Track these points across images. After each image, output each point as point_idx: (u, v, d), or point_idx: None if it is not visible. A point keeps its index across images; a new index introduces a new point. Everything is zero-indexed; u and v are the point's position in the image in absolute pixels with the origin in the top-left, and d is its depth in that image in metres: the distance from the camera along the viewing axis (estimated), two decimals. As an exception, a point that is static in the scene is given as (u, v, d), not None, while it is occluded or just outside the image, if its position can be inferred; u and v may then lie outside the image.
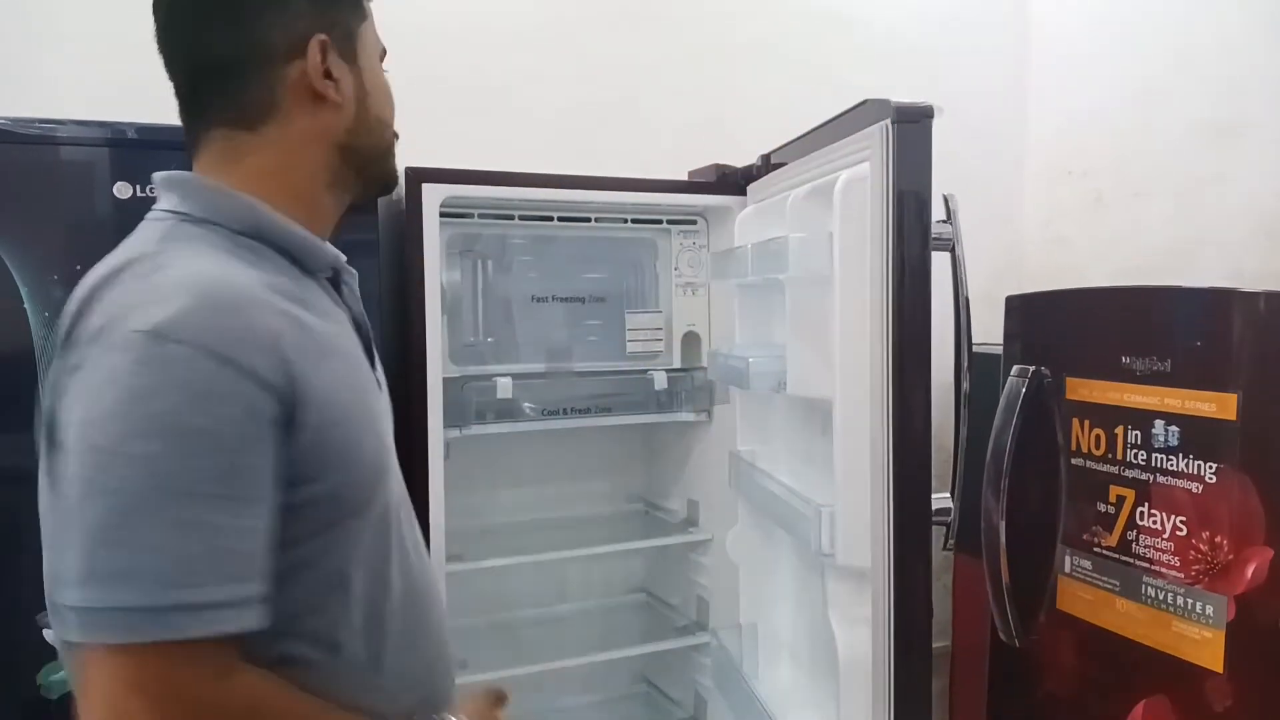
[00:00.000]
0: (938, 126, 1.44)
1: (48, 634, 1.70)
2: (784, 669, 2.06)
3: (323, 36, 0.95)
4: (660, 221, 2.28)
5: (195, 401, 0.76)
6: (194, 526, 0.76)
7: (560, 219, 2.17)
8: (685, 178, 2.28)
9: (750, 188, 2.12)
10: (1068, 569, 1.76)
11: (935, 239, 1.50)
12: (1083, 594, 1.73)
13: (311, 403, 0.83)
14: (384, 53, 1.07)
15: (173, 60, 0.95)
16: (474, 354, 2.18)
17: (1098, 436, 1.69)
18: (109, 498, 0.75)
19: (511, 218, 2.14)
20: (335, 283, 1.01)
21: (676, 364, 2.30)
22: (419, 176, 1.91)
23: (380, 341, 1.79)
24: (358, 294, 1.06)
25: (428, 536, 1.90)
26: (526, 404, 2.21)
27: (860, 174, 1.52)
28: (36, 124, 1.64)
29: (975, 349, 1.57)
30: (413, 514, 1.07)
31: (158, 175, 0.95)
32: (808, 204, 1.73)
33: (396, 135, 1.08)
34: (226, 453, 0.77)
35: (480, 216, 2.12)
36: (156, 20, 0.94)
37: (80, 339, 0.80)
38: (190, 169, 0.96)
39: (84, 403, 0.78)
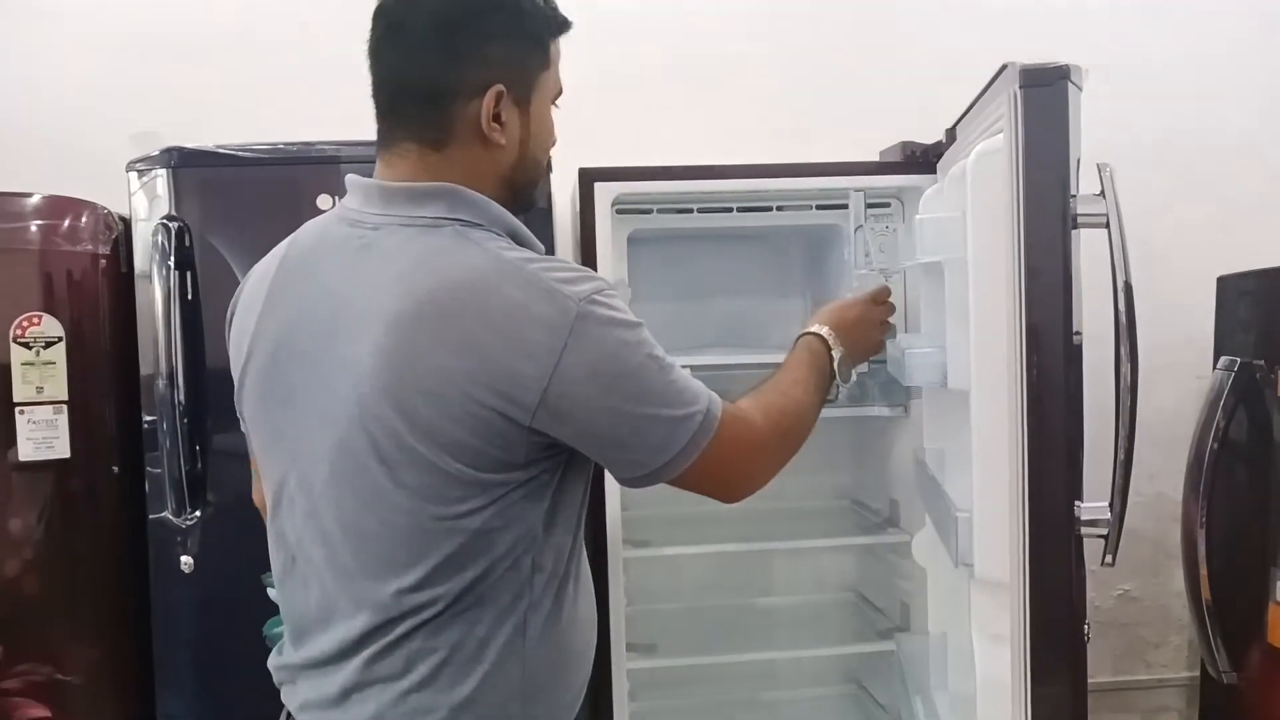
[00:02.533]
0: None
1: (270, 592, 1.97)
2: (969, 685, 1.91)
3: (500, 87, 1.06)
4: (847, 205, 2.18)
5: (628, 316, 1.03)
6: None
7: (740, 209, 2.15)
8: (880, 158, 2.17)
9: (939, 164, 1.98)
10: (1279, 596, 1.49)
11: (1083, 215, 1.33)
12: (1296, 627, 1.46)
13: None
14: (559, 93, 1.16)
15: (379, 71, 1.09)
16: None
17: (1312, 441, 1.41)
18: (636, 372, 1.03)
19: (690, 210, 2.15)
20: None
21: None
22: (591, 176, 1.98)
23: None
24: None
25: (603, 522, 1.98)
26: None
27: (994, 146, 1.38)
28: (252, 148, 1.89)
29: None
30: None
31: (382, 184, 1.08)
32: (963, 181, 1.59)
33: (550, 166, 1.21)
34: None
35: (659, 211, 2.15)
36: (374, 31, 1.08)
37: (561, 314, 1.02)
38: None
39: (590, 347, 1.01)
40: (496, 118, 1.06)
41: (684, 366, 2.03)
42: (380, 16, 1.07)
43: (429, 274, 0.99)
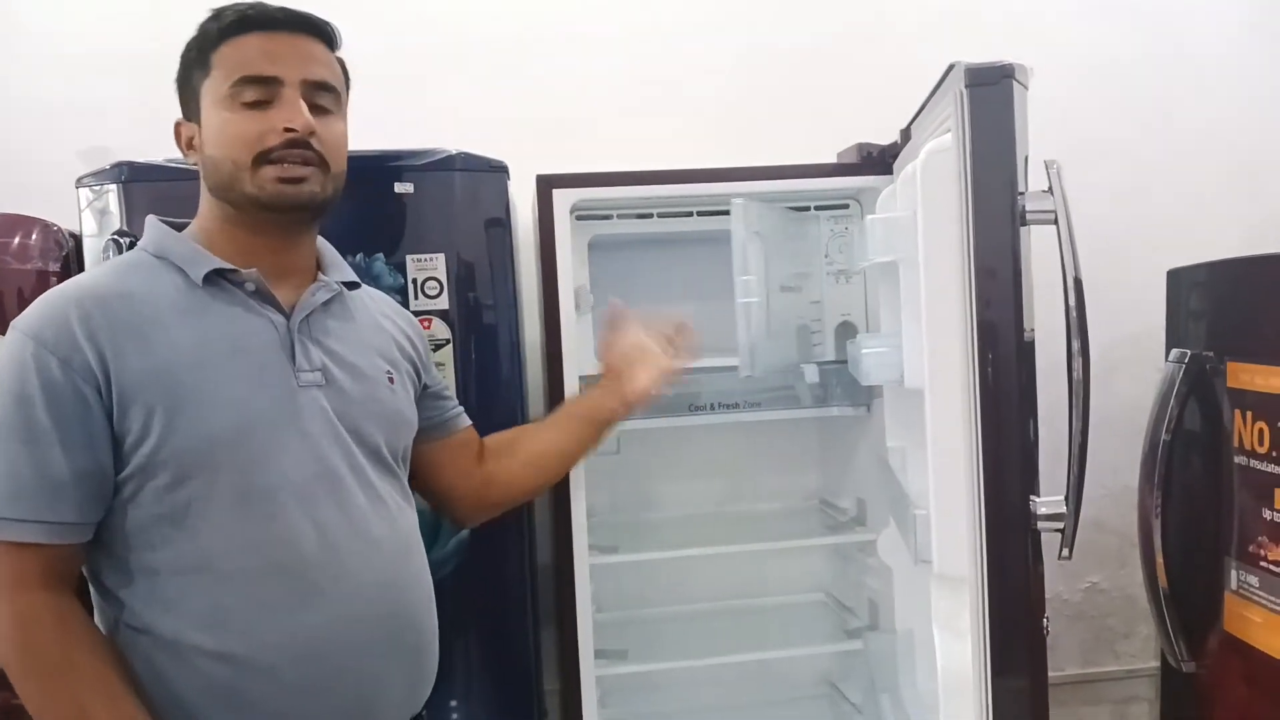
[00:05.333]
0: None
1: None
2: (934, 681, 1.92)
3: (178, 119, 1.26)
4: (808, 208, 2.19)
5: (8, 369, 1.09)
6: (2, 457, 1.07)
7: (700, 213, 2.15)
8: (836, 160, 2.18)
9: (895, 165, 1.99)
10: (1234, 585, 1.50)
11: (1032, 212, 1.35)
12: (1251, 615, 1.48)
13: (124, 375, 1.09)
14: (248, 81, 1.19)
15: None
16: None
17: (1261, 430, 1.43)
18: None
19: (651, 215, 2.15)
20: (265, 297, 1.21)
21: (831, 356, 2.21)
22: (549, 183, 1.97)
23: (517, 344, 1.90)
24: (335, 318, 1.28)
25: (569, 529, 1.97)
26: (682, 400, 2.23)
27: (942, 145, 1.39)
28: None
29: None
30: (346, 495, 1.20)
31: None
32: (914, 181, 1.60)
33: (258, 161, 1.19)
34: (21, 407, 1.07)
35: (619, 216, 2.15)
36: None
37: None
38: None
39: None
40: (190, 144, 1.24)
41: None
42: None
43: None
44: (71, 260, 1.92)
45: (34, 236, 1.89)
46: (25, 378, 1.08)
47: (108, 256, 1.74)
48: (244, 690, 1.11)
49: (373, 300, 1.42)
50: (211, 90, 1.20)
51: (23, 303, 1.85)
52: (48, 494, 1.07)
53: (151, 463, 1.10)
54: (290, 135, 1.18)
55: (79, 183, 1.83)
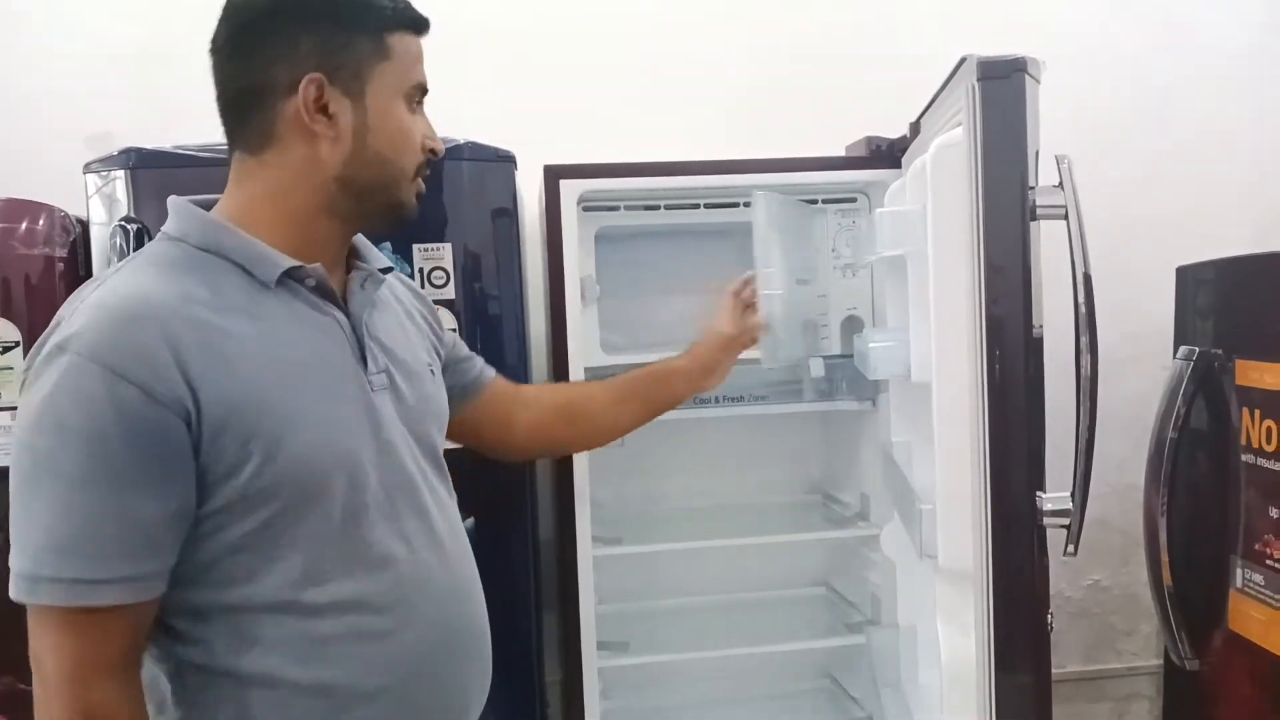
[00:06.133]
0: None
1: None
2: (936, 676, 1.92)
3: (318, 76, 1.03)
4: (815, 201, 2.19)
5: (74, 404, 0.90)
6: (63, 508, 0.90)
7: (708, 205, 2.15)
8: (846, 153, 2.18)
9: (904, 158, 1.99)
10: (1239, 583, 1.50)
11: (1043, 207, 1.34)
12: (1256, 613, 1.47)
13: (214, 402, 0.94)
14: (421, 90, 1.13)
15: (214, 83, 1.08)
16: (627, 343, 2.21)
17: (1269, 429, 1.42)
18: (16, 481, 0.92)
19: (658, 207, 2.15)
20: (324, 291, 1.08)
21: (836, 350, 2.20)
22: (556, 173, 1.97)
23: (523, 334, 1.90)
24: (377, 302, 1.16)
25: (572, 520, 1.98)
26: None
27: (953, 139, 1.39)
28: (211, 149, 1.84)
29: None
30: (421, 501, 1.12)
31: (169, 198, 1.09)
32: (923, 174, 1.60)
33: (420, 171, 1.13)
34: (97, 446, 0.90)
35: (626, 208, 2.14)
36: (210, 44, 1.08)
37: (35, 348, 0.97)
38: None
39: (23, 407, 0.94)
40: (323, 110, 1.04)
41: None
42: (214, 29, 1.07)
43: None
44: (78, 246, 1.92)
45: (41, 222, 1.89)
46: (97, 412, 0.89)
47: (115, 243, 1.74)
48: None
49: (391, 281, 1.30)
50: (389, 79, 1.08)
51: (30, 289, 1.86)
52: (135, 545, 0.92)
53: (242, 495, 0.96)
54: (432, 155, 1.14)
55: (86, 168, 1.83)
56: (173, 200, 1.08)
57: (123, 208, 1.81)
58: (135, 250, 1.75)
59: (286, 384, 1.00)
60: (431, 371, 1.24)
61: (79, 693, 0.92)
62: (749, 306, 1.77)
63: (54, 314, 0.99)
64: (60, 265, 1.90)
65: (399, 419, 1.12)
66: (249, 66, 1.05)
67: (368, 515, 1.04)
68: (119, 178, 1.82)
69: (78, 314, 0.94)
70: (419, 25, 1.11)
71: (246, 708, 0.99)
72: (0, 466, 1.04)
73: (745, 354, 1.92)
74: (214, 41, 1.07)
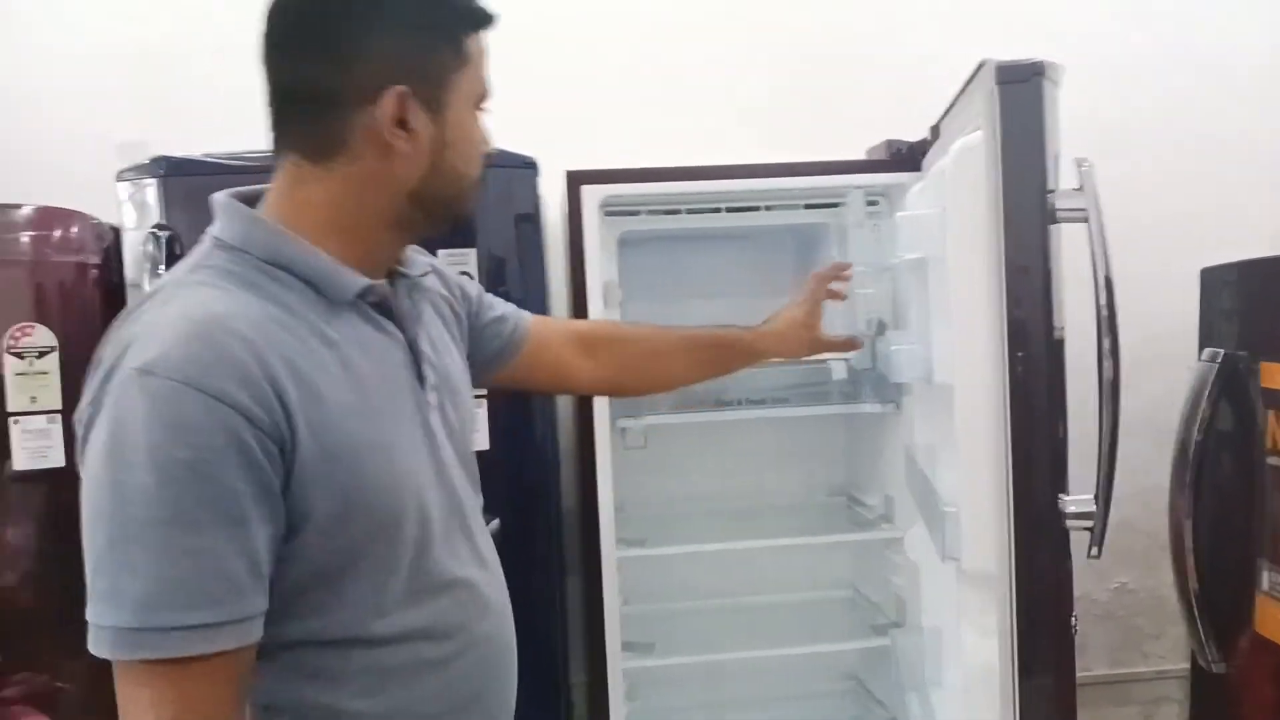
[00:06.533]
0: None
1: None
2: (961, 679, 1.92)
3: (402, 88, 0.93)
4: (836, 204, 2.19)
5: (176, 433, 0.80)
6: (173, 552, 0.81)
7: (729, 209, 2.16)
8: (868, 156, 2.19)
9: (924, 162, 1.99)
10: (1265, 586, 1.49)
11: (1063, 210, 1.34)
12: (1282, 616, 1.47)
13: (306, 434, 0.87)
14: (485, 95, 1.03)
15: (266, 76, 0.97)
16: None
17: (1293, 431, 1.42)
18: (104, 525, 0.82)
19: (679, 211, 2.16)
20: (383, 307, 1.02)
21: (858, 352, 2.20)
22: (579, 179, 1.99)
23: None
24: (424, 311, 1.09)
25: (596, 522, 1.99)
26: (709, 395, 2.24)
27: (973, 143, 1.39)
28: (241, 156, 1.88)
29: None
30: (475, 519, 1.09)
31: (213, 197, 0.99)
32: (944, 178, 1.60)
33: (480, 178, 1.05)
34: (206, 481, 0.81)
35: (648, 213, 2.16)
36: (263, 28, 0.96)
37: (99, 371, 0.87)
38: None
39: (95, 435, 0.84)
40: (402, 124, 0.93)
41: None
42: (268, 16, 0.95)
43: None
44: (111, 253, 1.96)
45: (74, 229, 1.93)
46: (201, 442, 0.81)
47: (147, 249, 1.77)
48: None
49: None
50: (465, 88, 0.99)
51: (64, 295, 1.89)
52: (245, 583, 0.84)
53: (321, 529, 0.90)
54: (487, 158, 1.06)
55: (119, 177, 1.87)
56: (223, 201, 0.97)
57: (154, 214, 1.85)
58: (168, 257, 1.79)
59: (364, 413, 0.94)
60: (465, 372, 1.17)
61: None
62: (830, 295, 1.63)
63: (88, 320, 0.91)
64: (94, 272, 1.94)
65: (447, 437, 1.06)
66: (318, 68, 0.93)
67: (430, 542, 0.99)
68: (150, 185, 1.85)
69: (153, 333, 0.84)
70: (491, 20, 1.01)
71: None
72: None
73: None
74: (270, 35, 0.95)
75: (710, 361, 1.55)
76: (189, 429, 0.81)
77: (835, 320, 2.22)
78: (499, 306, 1.32)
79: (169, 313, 0.87)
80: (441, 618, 1.00)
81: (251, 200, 0.99)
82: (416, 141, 0.95)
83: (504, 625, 1.10)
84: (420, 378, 1.03)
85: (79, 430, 0.87)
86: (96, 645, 0.82)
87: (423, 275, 1.10)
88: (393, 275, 1.05)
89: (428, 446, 1.02)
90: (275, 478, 0.85)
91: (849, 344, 1.67)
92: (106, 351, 0.87)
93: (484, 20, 1.00)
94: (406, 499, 0.96)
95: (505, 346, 1.31)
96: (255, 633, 0.85)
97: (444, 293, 1.19)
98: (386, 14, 0.93)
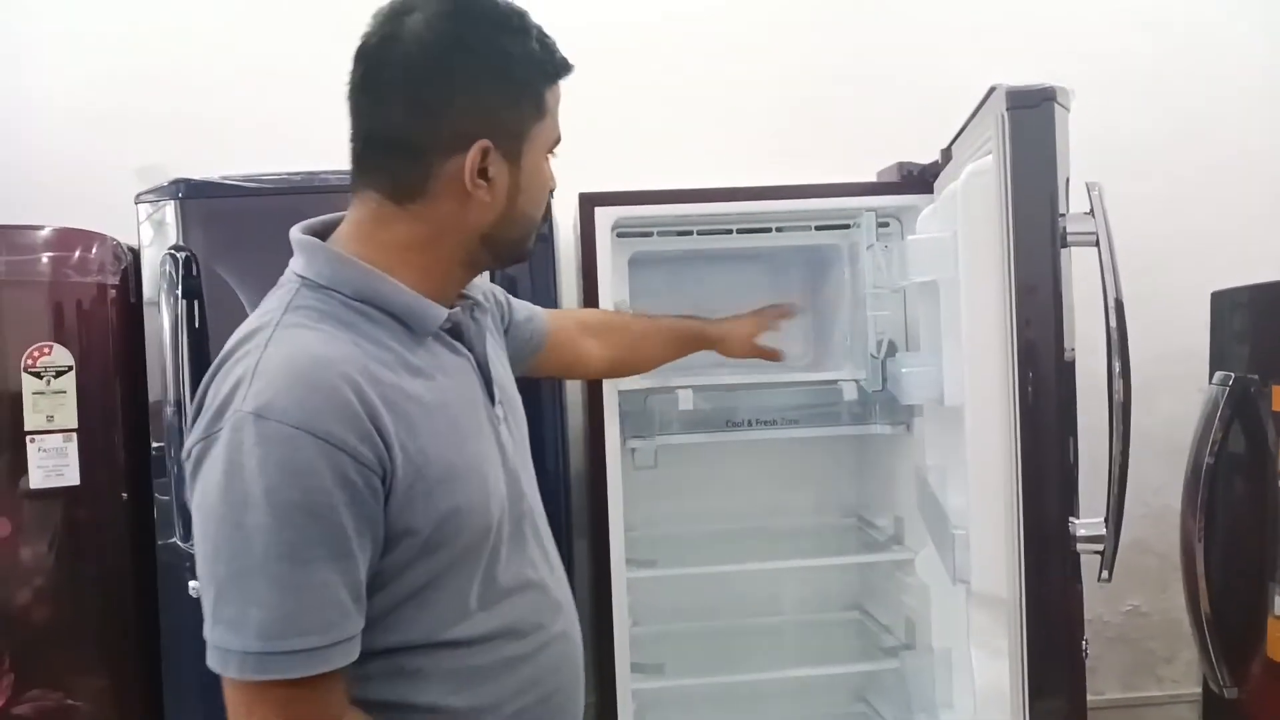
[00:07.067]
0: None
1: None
2: (971, 701, 1.91)
3: (485, 142, 0.98)
4: (847, 226, 2.20)
5: (290, 476, 0.87)
6: (292, 586, 0.88)
7: (740, 230, 2.17)
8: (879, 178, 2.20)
9: (936, 184, 2.00)
10: (1278, 610, 1.49)
11: (1073, 234, 1.35)
12: (1295, 641, 1.46)
13: (404, 465, 0.93)
14: (557, 141, 1.09)
15: (353, 117, 1.02)
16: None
17: (1305, 455, 1.42)
18: (225, 560, 0.89)
19: (690, 233, 2.17)
20: (456, 332, 1.08)
21: (868, 374, 2.21)
22: (591, 201, 2.00)
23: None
24: (487, 330, 1.15)
25: (606, 543, 2.00)
26: (719, 416, 2.25)
27: (984, 167, 1.41)
28: (257, 179, 1.92)
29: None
30: (537, 524, 1.16)
31: (292, 233, 1.04)
32: (954, 201, 1.61)
33: (547, 215, 1.15)
34: (319, 520, 0.88)
35: (660, 233, 2.17)
36: (352, 74, 1.01)
37: (210, 409, 0.92)
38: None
39: (209, 473, 0.90)
40: (483, 173, 0.99)
41: (687, 387, 2.07)
42: (359, 60, 1.01)
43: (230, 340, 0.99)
44: (129, 274, 1.98)
45: (93, 251, 1.95)
46: (316, 485, 0.88)
47: (165, 270, 1.79)
48: None
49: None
50: (542, 138, 1.05)
51: (83, 315, 1.91)
52: (350, 606, 0.92)
53: (411, 547, 0.97)
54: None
55: (138, 199, 1.89)
56: (305, 241, 1.02)
57: (171, 236, 1.87)
58: (181, 278, 1.82)
59: (453, 438, 1.01)
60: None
61: None
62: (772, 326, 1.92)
63: (105, 340, 0.96)
64: (112, 292, 1.96)
65: (514, 447, 1.12)
66: (408, 118, 0.99)
67: (505, 548, 1.06)
68: (168, 207, 1.88)
69: (263, 376, 0.90)
70: (570, 69, 1.07)
71: None
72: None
73: (764, 378, 2.07)
74: (363, 81, 1.01)
75: (677, 345, 1.79)
76: (301, 472, 0.88)
77: (847, 341, 2.25)
78: (522, 307, 1.42)
79: (276, 356, 0.92)
80: (519, 618, 1.07)
81: (319, 231, 1.05)
82: (494, 190, 1.01)
83: (574, 624, 1.18)
84: (490, 395, 1.10)
85: (188, 463, 0.94)
86: (223, 666, 0.90)
87: (483, 297, 1.18)
88: (458, 298, 1.12)
89: (501, 459, 1.08)
90: (377, 506, 0.92)
91: (774, 355, 1.91)
92: (213, 389, 0.94)
93: (564, 70, 1.06)
94: (492, 513, 1.03)
95: (531, 343, 1.43)
96: (356, 649, 0.93)
97: (495, 310, 1.28)
98: (475, 71, 0.99)
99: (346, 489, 0.89)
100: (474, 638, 1.03)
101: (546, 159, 1.08)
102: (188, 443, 0.95)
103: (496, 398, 1.11)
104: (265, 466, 0.87)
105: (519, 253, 1.11)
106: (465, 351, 1.08)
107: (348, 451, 0.89)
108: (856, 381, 2.16)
